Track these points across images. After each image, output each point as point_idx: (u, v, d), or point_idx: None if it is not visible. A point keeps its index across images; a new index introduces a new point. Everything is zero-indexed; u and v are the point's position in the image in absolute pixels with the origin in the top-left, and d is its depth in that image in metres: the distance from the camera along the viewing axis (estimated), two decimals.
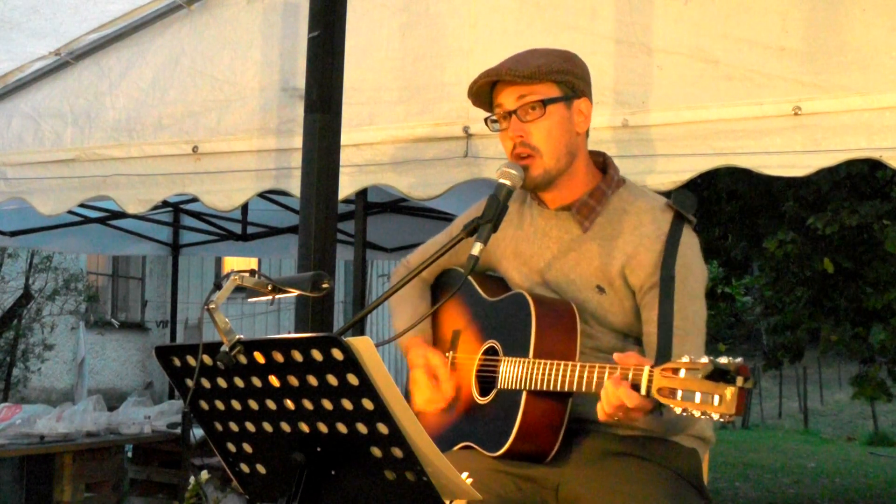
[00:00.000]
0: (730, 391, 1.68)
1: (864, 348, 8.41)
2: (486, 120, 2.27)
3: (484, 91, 2.25)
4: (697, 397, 1.72)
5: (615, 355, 1.91)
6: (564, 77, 2.19)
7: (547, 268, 2.26)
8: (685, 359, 1.77)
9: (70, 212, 5.07)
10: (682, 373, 1.76)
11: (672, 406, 1.76)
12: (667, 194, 2.30)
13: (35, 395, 13.90)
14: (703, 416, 1.72)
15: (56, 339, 14.16)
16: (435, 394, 2.28)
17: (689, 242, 2.16)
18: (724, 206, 8.43)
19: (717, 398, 1.69)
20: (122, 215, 6.80)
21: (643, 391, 1.82)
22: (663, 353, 1.98)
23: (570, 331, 2.14)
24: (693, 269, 2.15)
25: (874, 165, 6.83)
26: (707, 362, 1.72)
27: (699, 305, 2.16)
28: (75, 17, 4.04)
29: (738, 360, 1.70)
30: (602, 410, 1.90)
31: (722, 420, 1.71)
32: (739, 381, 1.68)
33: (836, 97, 2.98)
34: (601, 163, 2.30)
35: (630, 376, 1.86)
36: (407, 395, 2.43)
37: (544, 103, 2.17)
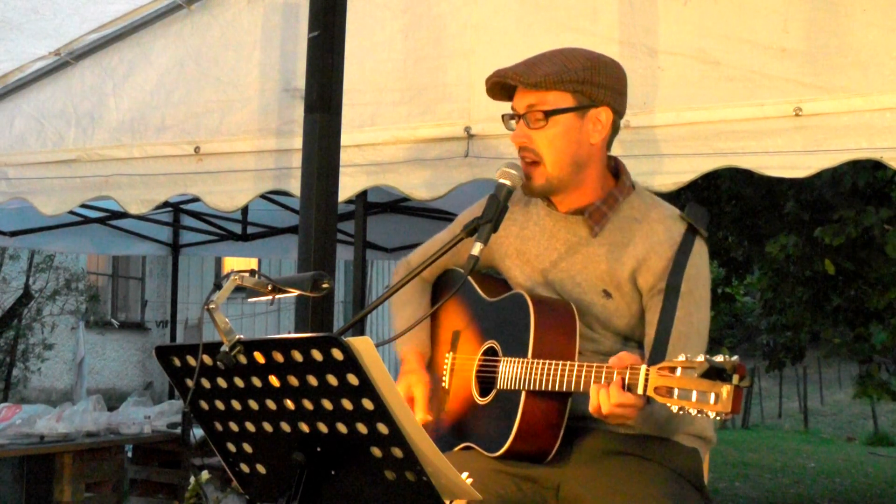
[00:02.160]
0: (726, 389, 1.69)
1: (865, 349, 8.42)
2: (503, 116, 2.25)
3: (499, 87, 2.24)
4: (694, 396, 1.73)
5: (611, 360, 1.92)
6: (580, 86, 2.14)
7: (551, 268, 2.26)
8: (681, 357, 1.78)
9: (70, 212, 5.08)
10: (679, 371, 1.76)
11: (669, 405, 1.76)
12: (672, 196, 2.30)
13: (35, 395, 13.90)
14: (699, 415, 1.72)
15: (56, 338, 14.17)
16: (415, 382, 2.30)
17: (700, 253, 2.17)
18: (725, 206, 8.44)
19: (713, 396, 1.70)
20: (122, 215, 6.81)
21: (640, 390, 1.83)
22: (658, 353, 1.99)
23: (569, 331, 2.14)
24: (701, 279, 2.16)
25: (876, 168, 6.84)
26: (703, 360, 1.72)
27: (704, 314, 2.17)
28: (75, 17, 4.05)
29: (734, 358, 1.71)
30: (590, 405, 1.93)
31: (719, 418, 1.71)
32: (735, 379, 1.69)
33: (836, 98, 2.98)
34: (612, 167, 2.28)
35: (627, 377, 1.86)
36: None
37: (547, 115, 2.15)
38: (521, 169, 2.17)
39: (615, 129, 2.23)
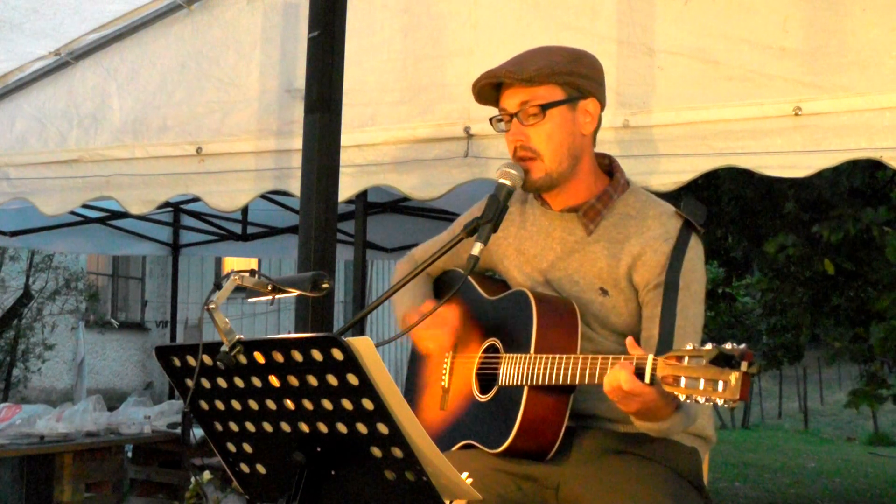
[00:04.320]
0: (734, 376, 1.68)
1: (864, 349, 8.41)
2: (490, 120, 2.27)
3: (487, 90, 2.24)
4: (701, 384, 1.73)
5: (628, 339, 1.91)
6: (569, 78, 2.17)
7: (550, 268, 2.26)
8: (689, 346, 1.78)
9: (71, 212, 5.08)
10: (686, 360, 1.77)
11: (676, 393, 1.76)
12: (672, 196, 2.30)
13: (35, 395, 13.90)
14: (707, 403, 1.72)
15: (56, 338, 14.16)
16: (436, 329, 2.23)
17: (696, 248, 2.18)
18: (724, 206, 8.44)
19: (721, 384, 1.70)
20: (122, 215, 6.81)
21: (647, 379, 1.83)
22: (665, 347, 1.99)
23: (571, 328, 2.14)
24: (697, 275, 2.17)
25: (875, 168, 6.84)
26: (712, 348, 1.72)
27: (700, 309, 2.18)
28: (75, 17, 4.05)
29: (743, 346, 1.71)
30: (604, 385, 1.92)
31: (726, 406, 1.71)
32: (744, 366, 1.68)
33: (836, 97, 2.98)
34: (607, 165, 2.29)
35: (634, 363, 1.87)
36: (407, 396, 2.43)
37: (543, 108, 2.16)
38: (521, 168, 2.17)
39: (600, 121, 2.26)
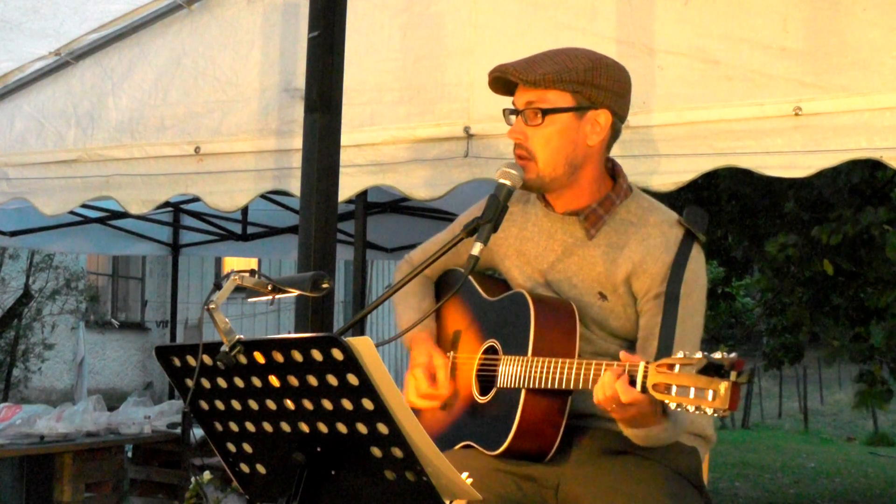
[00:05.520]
0: (723, 386, 1.68)
1: (864, 349, 8.41)
2: (504, 110, 2.25)
3: (502, 82, 2.23)
4: (692, 392, 1.72)
5: (622, 353, 1.91)
6: (580, 87, 2.13)
7: (550, 269, 2.26)
8: (679, 354, 1.78)
9: (71, 212, 5.09)
10: (677, 368, 1.76)
11: (667, 401, 1.77)
12: (671, 196, 2.29)
13: (35, 395, 13.90)
14: (697, 412, 1.72)
15: (56, 338, 14.16)
16: (430, 391, 2.26)
17: (697, 258, 2.16)
18: (724, 206, 8.44)
19: (711, 393, 1.70)
20: (122, 215, 6.82)
21: (638, 386, 1.83)
22: (662, 356, 1.99)
23: (569, 330, 2.14)
24: (699, 284, 2.16)
25: (875, 167, 6.84)
26: (701, 357, 1.72)
27: (698, 320, 2.17)
28: (75, 17, 4.05)
29: (733, 355, 1.71)
30: (595, 395, 1.92)
31: (716, 415, 1.71)
32: (733, 375, 1.68)
33: (836, 97, 2.98)
34: (610, 169, 2.27)
35: (626, 370, 1.87)
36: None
37: (544, 113, 2.15)
38: (521, 169, 2.17)
39: (615, 132, 2.22)
